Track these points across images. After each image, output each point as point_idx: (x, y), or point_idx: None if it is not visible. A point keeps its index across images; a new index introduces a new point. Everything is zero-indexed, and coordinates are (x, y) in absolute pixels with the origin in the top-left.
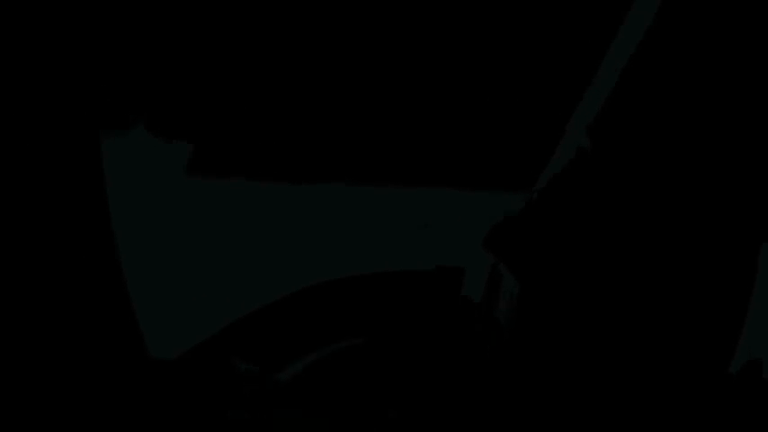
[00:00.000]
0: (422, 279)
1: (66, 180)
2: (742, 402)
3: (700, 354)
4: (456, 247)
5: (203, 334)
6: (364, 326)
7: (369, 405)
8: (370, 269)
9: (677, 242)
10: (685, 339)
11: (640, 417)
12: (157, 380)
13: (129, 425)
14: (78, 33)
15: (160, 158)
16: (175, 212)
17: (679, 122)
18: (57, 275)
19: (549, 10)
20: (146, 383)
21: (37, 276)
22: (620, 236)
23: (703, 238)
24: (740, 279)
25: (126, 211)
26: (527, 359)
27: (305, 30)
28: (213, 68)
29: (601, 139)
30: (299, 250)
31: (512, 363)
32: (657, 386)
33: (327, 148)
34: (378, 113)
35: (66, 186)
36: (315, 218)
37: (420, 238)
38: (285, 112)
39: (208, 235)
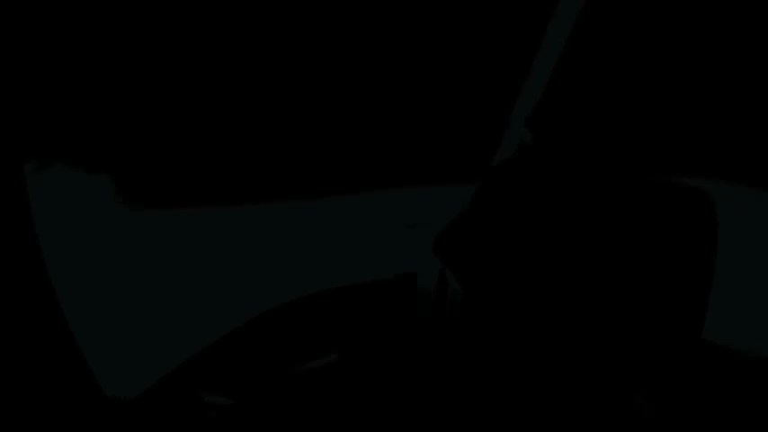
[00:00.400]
0: (384, 288)
1: None
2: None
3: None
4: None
5: (165, 369)
6: (335, 341)
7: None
8: (338, 278)
9: (624, 235)
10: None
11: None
12: (122, 419)
13: None
14: None
15: (89, 191)
16: (113, 245)
17: (615, 109)
18: None
19: (482, 9)
20: (109, 424)
21: None
22: (563, 229)
23: (650, 230)
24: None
25: (59, 247)
26: (473, 359)
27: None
28: (143, 92)
29: (541, 130)
30: (255, 272)
31: (459, 363)
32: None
33: (262, 166)
34: (327, 120)
35: None
36: (264, 239)
37: (406, 237)
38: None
39: (152, 266)
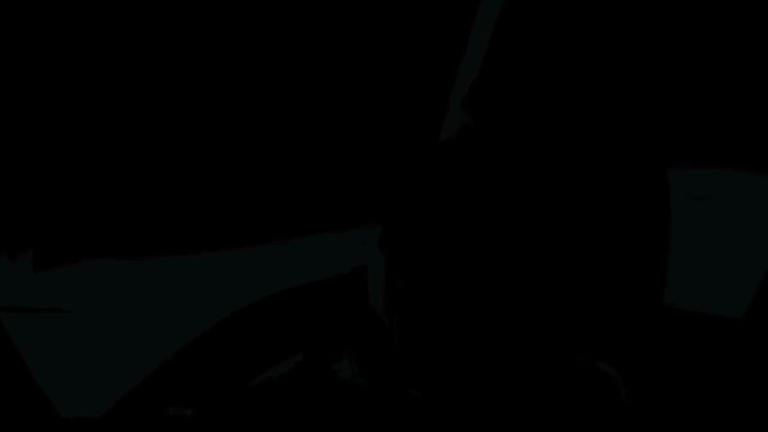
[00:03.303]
0: (338, 283)
1: None
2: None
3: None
4: None
5: (125, 386)
6: (296, 341)
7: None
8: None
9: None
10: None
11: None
12: None
13: None
14: None
15: None
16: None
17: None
18: None
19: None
20: None
21: None
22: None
23: (599, 202)
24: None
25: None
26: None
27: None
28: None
29: (480, 112)
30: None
31: (400, 361)
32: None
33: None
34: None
35: None
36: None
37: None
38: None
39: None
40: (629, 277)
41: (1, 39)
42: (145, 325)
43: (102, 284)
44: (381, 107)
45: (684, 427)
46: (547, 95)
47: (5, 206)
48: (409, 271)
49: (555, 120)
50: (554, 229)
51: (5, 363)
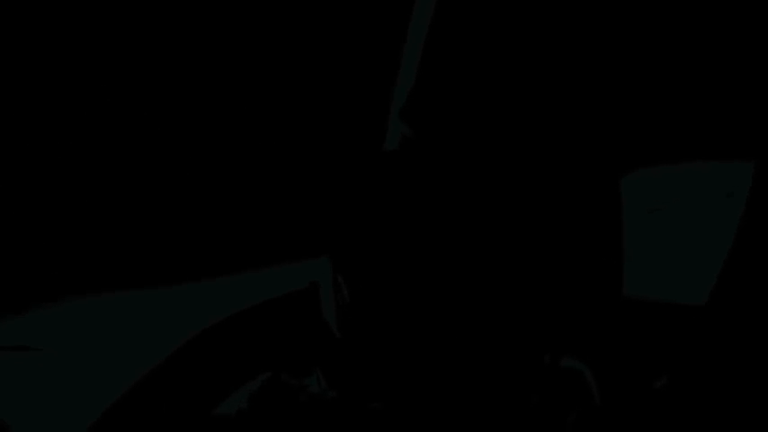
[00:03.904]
0: (293, 299)
1: None
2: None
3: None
4: None
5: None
6: (263, 359)
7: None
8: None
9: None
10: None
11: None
12: None
13: None
14: None
15: None
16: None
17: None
18: None
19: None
20: None
21: None
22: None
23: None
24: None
25: None
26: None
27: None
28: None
29: (418, 122)
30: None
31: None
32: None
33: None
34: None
35: None
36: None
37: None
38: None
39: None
40: (585, 271)
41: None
42: (100, 359)
43: (66, 320)
44: (322, 120)
45: (656, 414)
46: (484, 103)
47: None
48: (354, 281)
49: (493, 126)
50: (500, 231)
51: None
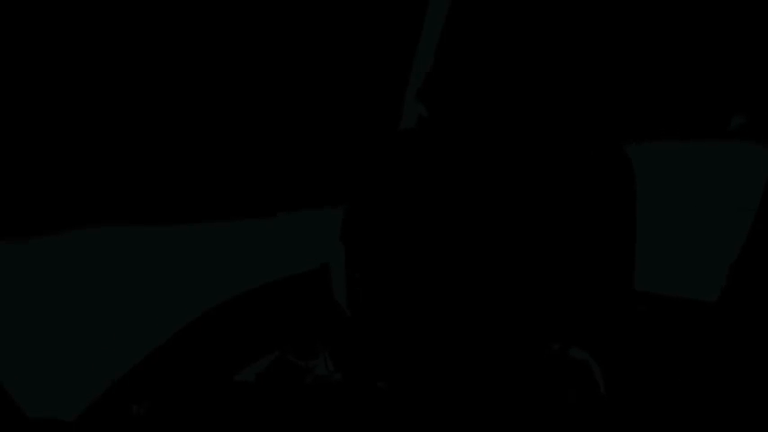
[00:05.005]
0: (303, 280)
1: None
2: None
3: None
4: None
5: (97, 389)
6: (271, 339)
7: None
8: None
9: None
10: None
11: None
12: None
13: None
14: None
15: None
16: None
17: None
18: None
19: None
20: None
21: None
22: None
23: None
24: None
25: None
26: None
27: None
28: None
29: (435, 103)
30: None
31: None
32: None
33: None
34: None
35: None
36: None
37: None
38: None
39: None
40: (598, 262)
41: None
42: (119, 324)
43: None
44: (339, 100)
45: (662, 411)
46: (500, 85)
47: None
48: (368, 263)
49: (510, 109)
50: (516, 218)
51: None
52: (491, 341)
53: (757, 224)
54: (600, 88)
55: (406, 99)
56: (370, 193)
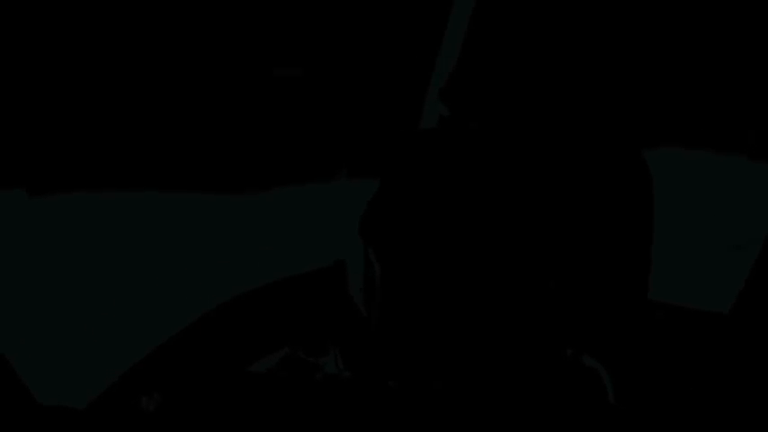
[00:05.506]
0: (319, 277)
1: None
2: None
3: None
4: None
5: (108, 378)
6: (282, 335)
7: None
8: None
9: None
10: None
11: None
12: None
13: None
14: None
15: None
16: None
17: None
18: None
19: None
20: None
21: None
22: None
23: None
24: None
25: None
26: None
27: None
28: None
29: (457, 103)
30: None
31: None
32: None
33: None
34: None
35: None
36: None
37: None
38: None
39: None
40: (614, 269)
41: None
42: (131, 314)
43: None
44: (361, 99)
45: (672, 422)
46: (524, 87)
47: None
48: (387, 260)
49: (533, 111)
50: (534, 220)
51: None
52: (506, 342)
53: None
54: (623, 93)
55: (427, 99)
56: (393, 189)
